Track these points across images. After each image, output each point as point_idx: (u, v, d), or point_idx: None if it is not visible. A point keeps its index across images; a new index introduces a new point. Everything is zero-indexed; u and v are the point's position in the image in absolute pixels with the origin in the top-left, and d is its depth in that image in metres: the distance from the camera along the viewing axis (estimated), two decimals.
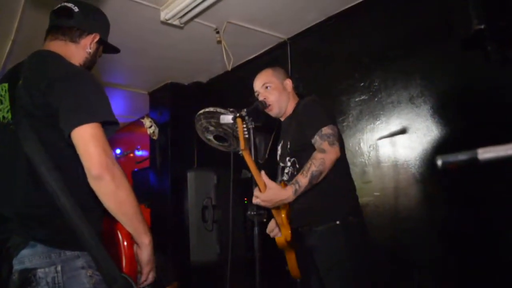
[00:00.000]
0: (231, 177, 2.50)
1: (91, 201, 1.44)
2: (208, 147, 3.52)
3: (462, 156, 0.57)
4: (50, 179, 1.40)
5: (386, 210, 3.14)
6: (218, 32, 3.67)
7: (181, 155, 5.14)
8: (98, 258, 1.39)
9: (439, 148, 2.87)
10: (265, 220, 2.59)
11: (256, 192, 2.00)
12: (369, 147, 3.35)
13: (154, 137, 5.22)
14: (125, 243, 1.54)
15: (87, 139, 1.42)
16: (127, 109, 6.16)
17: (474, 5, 2.34)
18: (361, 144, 3.40)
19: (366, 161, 3.35)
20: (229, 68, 3.95)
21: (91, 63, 1.77)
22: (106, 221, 1.54)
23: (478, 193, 2.67)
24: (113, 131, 1.55)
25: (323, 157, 2.02)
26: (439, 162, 0.59)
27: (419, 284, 2.79)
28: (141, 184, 5.96)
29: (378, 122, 3.29)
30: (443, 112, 2.87)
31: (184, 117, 5.06)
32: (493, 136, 2.49)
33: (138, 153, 6.71)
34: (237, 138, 3.04)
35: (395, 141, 3.17)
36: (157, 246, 4.64)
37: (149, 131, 5.21)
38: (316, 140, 2.11)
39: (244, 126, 2.00)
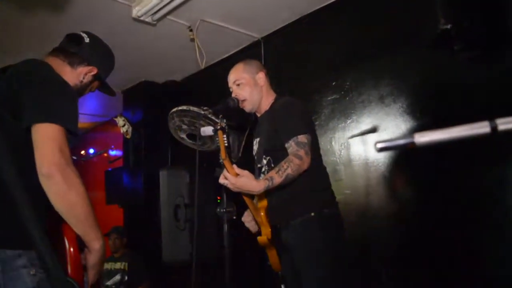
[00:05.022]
0: (196, 175, 2.49)
1: (42, 198, 1.40)
2: (182, 146, 3.51)
3: (399, 141, 0.59)
4: (5, 169, 1.36)
5: (357, 207, 3.18)
6: (191, 30, 3.65)
7: (155, 154, 5.09)
8: (45, 256, 1.35)
9: None
10: (234, 217, 2.60)
11: (226, 173, 1.99)
12: (341, 145, 3.39)
13: (128, 136, 5.17)
14: (72, 249, 1.48)
15: (46, 136, 1.40)
16: (101, 108, 6.08)
17: (441, 6, 2.40)
18: (333, 143, 3.43)
19: (338, 160, 3.39)
20: (202, 66, 3.94)
21: (78, 91, 1.80)
22: (52, 223, 1.49)
23: (446, 192, 2.73)
24: (71, 143, 1.53)
25: (299, 164, 2.04)
26: (377, 147, 0.61)
27: (387, 279, 2.83)
28: (114, 184, 5.89)
29: (349, 121, 3.33)
30: (412, 110, 2.92)
31: (158, 116, 5.01)
32: None
33: (112, 152, 6.62)
34: (211, 137, 3.04)
35: (366, 139, 3.22)
36: (131, 246, 4.58)
37: (123, 130, 5.16)
38: (292, 145, 2.12)
39: (225, 136, 2.03)
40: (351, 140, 3.32)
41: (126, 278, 4.61)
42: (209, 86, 4.60)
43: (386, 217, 3.03)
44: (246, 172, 1.99)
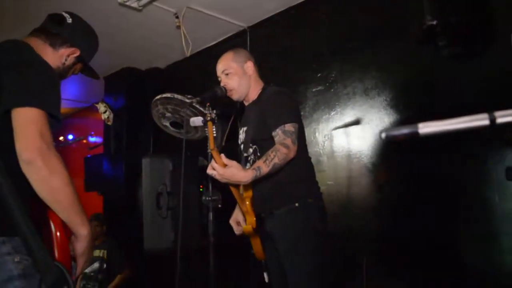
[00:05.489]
0: (182, 164, 2.48)
1: (25, 183, 1.36)
2: (164, 133, 3.49)
3: (404, 130, 0.61)
4: None
5: (339, 198, 3.23)
6: (177, 17, 3.61)
7: (137, 142, 5.06)
8: (30, 241, 1.31)
9: None
10: (219, 206, 2.60)
11: (213, 163, 1.98)
12: (324, 137, 3.42)
13: (109, 123, 5.10)
14: (58, 233, 1.45)
15: (27, 120, 1.35)
16: (81, 93, 5.98)
17: (427, 2, 2.43)
18: (316, 134, 3.46)
19: (321, 151, 3.42)
20: (188, 54, 3.90)
21: (61, 74, 1.74)
22: (37, 207, 1.46)
23: (427, 185, 2.79)
24: (53, 128, 1.48)
25: (286, 153, 2.05)
26: (383, 135, 0.62)
27: (367, 270, 2.89)
28: (94, 171, 5.82)
29: (333, 113, 3.36)
30: (395, 104, 2.97)
31: (140, 103, 4.98)
32: None
33: (92, 139, 6.53)
34: (195, 126, 3.03)
35: (349, 131, 3.26)
36: (110, 234, 4.54)
37: (104, 116, 5.09)
38: (278, 134, 2.13)
39: (214, 127, 2.03)
40: (334, 132, 3.36)
41: (105, 265, 4.58)
42: (193, 74, 4.58)
43: (368, 208, 3.09)
44: (234, 163, 1.99)
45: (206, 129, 2.02)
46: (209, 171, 2.00)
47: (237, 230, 2.50)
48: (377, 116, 3.05)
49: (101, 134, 5.75)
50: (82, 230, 1.45)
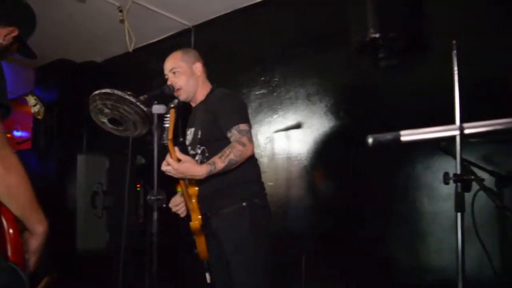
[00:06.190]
0: (128, 162, 2.43)
1: None
2: (99, 130, 3.37)
3: (388, 136, 0.67)
4: None
5: (279, 199, 3.31)
6: (121, 11, 3.52)
7: (69, 138, 4.83)
8: None
9: (330, 142, 3.11)
10: (164, 206, 2.57)
11: (168, 159, 1.98)
12: (266, 139, 3.49)
13: (39, 117, 4.84)
14: (11, 230, 1.38)
15: None
16: (8, 83, 5.59)
17: (371, 15, 2.58)
18: (258, 136, 3.53)
19: (262, 153, 3.49)
20: (131, 50, 3.81)
21: None
22: None
23: (361, 187, 2.95)
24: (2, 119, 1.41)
25: (242, 150, 2.09)
26: (370, 140, 0.68)
27: (306, 270, 2.99)
28: None
29: (275, 116, 3.45)
30: (335, 110, 3.10)
31: (74, 97, 4.77)
32: (377, 132, 2.76)
33: (17, 133, 6.14)
34: (134, 124, 2.97)
35: (290, 135, 3.36)
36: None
37: (34, 109, 4.81)
38: (234, 133, 2.16)
39: (175, 116, 2.03)
40: (276, 135, 3.44)
41: None
42: (132, 69, 4.48)
43: (306, 209, 3.20)
44: (188, 158, 2.00)
45: (167, 116, 2.00)
46: (164, 167, 1.99)
47: (176, 207, 2.47)
48: (318, 121, 3.17)
49: (28, 129, 5.43)
50: (39, 227, 1.40)
